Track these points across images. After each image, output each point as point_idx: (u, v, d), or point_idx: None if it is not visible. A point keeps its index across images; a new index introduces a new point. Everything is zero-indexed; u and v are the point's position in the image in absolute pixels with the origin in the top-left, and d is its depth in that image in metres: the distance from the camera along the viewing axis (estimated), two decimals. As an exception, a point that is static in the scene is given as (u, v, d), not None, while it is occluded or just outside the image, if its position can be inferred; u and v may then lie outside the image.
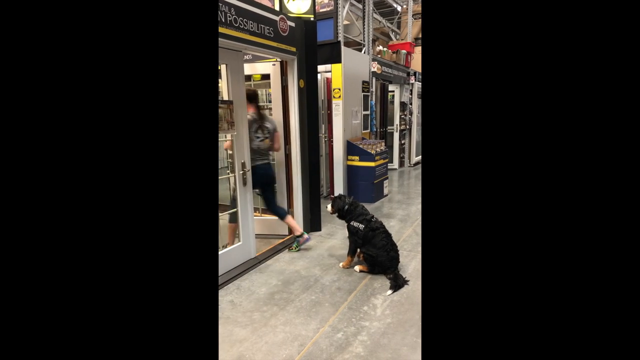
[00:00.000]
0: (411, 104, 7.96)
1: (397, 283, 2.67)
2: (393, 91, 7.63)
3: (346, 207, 3.04)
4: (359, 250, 2.99)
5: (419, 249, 3.40)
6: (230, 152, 3.09)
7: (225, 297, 2.60)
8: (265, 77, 3.67)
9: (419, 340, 2.06)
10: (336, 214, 3.10)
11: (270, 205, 3.42)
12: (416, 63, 8.74)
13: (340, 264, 3.05)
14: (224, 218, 3.20)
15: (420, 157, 8.80)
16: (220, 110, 2.70)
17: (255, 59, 3.82)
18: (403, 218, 4.40)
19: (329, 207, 3.14)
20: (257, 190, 3.31)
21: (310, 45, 3.54)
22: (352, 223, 2.97)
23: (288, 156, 3.67)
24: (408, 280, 2.76)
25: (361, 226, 2.92)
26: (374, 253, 2.84)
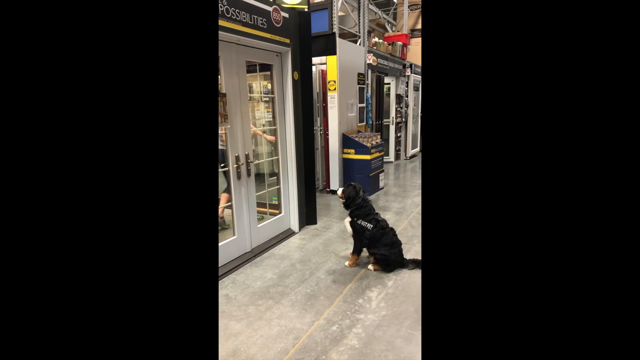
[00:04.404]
0: (407, 96, 7.93)
1: (418, 263, 2.88)
2: (389, 83, 7.60)
3: (359, 200, 2.86)
4: (366, 250, 2.90)
5: (415, 241, 3.41)
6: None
7: (221, 291, 2.59)
8: (253, 69, 3.62)
9: (414, 332, 2.07)
10: (343, 201, 2.95)
11: None
12: (412, 55, 8.70)
13: (346, 263, 2.96)
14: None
15: (416, 149, 8.80)
16: (213, 103, 2.67)
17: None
18: (399, 211, 4.40)
19: (340, 191, 2.94)
20: None
21: (304, 37, 3.50)
22: (359, 222, 2.82)
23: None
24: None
25: (369, 226, 2.80)
26: (386, 252, 2.78)
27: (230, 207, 3.08)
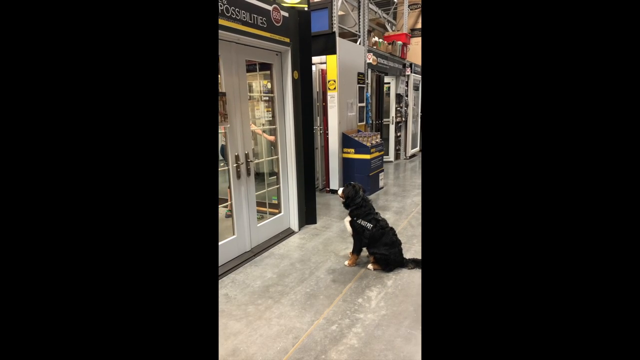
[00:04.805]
0: (407, 96, 7.92)
1: (418, 262, 2.88)
2: (389, 83, 7.60)
3: (358, 199, 2.86)
4: (365, 250, 2.91)
5: (414, 241, 3.41)
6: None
7: (220, 291, 2.59)
8: (253, 68, 3.62)
9: (413, 332, 2.07)
10: (343, 200, 2.97)
11: None
12: (412, 54, 8.69)
13: (346, 263, 2.97)
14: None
15: (416, 149, 8.80)
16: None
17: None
18: (398, 210, 4.40)
19: (340, 190, 2.98)
20: None
21: (304, 36, 3.49)
22: (359, 221, 2.83)
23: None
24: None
25: (369, 225, 2.80)
26: (386, 252, 2.78)
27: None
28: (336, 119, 5.05)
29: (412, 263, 2.87)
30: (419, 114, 8.75)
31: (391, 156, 7.79)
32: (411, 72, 7.82)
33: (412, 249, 3.23)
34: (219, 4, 2.56)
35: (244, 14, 2.80)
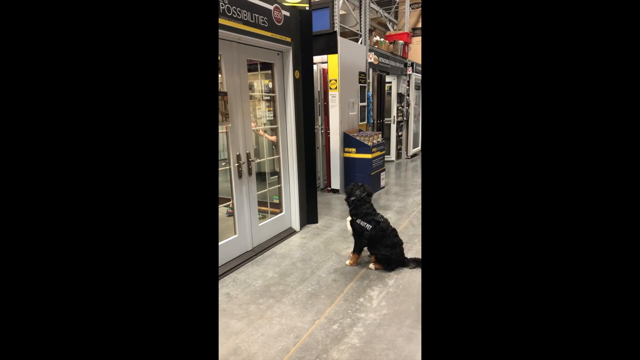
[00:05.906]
0: (408, 95, 7.91)
1: (419, 262, 2.87)
2: (390, 82, 7.58)
3: (352, 198, 2.90)
4: (367, 249, 2.91)
5: (416, 240, 3.41)
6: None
7: (222, 290, 2.60)
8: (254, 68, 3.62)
9: (415, 331, 2.07)
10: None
11: None
12: (413, 54, 8.68)
13: (347, 262, 2.97)
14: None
15: (417, 148, 8.78)
16: (214, 102, 2.67)
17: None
18: (400, 210, 4.40)
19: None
20: None
21: (305, 36, 3.49)
22: (357, 221, 2.84)
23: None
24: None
25: (368, 226, 2.79)
26: (388, 253, 2.79)
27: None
28: (337, 118, 5.05)
29: (414, 262, 2.87)
30: (421, 113, 8.75)
31: (392, 155, 7.78)
32: (413, 71, 7.80)
33: (414, 248, 3.22)
34: (220, 3, 2.56)
35: (245, 13, 2.80)
